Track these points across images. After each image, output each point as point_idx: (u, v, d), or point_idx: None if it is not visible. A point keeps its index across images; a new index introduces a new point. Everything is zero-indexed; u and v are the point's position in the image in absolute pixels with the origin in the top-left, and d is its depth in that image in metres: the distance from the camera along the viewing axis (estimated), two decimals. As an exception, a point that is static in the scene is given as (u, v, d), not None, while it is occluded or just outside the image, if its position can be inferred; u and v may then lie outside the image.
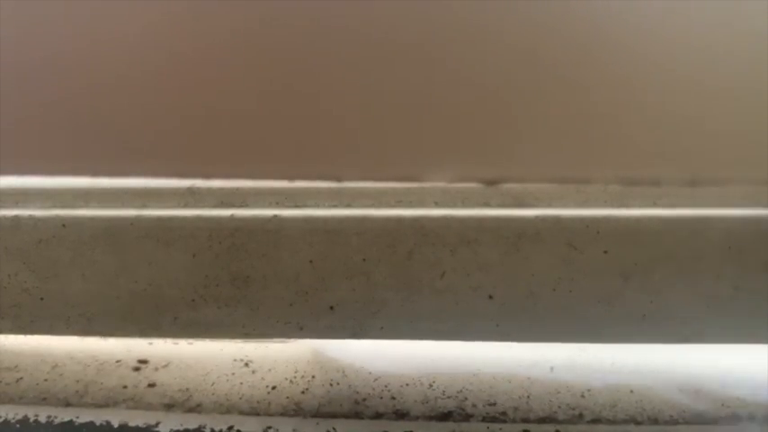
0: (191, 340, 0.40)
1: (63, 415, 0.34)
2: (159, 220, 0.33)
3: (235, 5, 0.20)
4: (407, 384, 0.36)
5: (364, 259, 0.33)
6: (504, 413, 0.34)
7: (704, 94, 0.24)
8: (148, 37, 0.19)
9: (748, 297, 0.32)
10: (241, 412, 0.34)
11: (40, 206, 0.34)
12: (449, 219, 0.32)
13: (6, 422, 0.34)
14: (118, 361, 0.39)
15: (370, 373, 0.37)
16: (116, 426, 0.33)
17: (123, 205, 0.34)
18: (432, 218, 0.32)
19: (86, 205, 0.34)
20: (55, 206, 0.34)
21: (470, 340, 0.35)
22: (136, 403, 0.35)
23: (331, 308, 0.34)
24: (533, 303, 0.33)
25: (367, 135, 0.24)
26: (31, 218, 0.34)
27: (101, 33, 0.20)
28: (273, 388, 0.36)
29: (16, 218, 0.34)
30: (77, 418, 0.34)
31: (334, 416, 0.34)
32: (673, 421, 0.33)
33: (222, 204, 0.34)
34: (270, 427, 0.33)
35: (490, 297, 0.33)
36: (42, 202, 0.34)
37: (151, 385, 0.37)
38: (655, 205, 0.32)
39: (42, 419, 0.34)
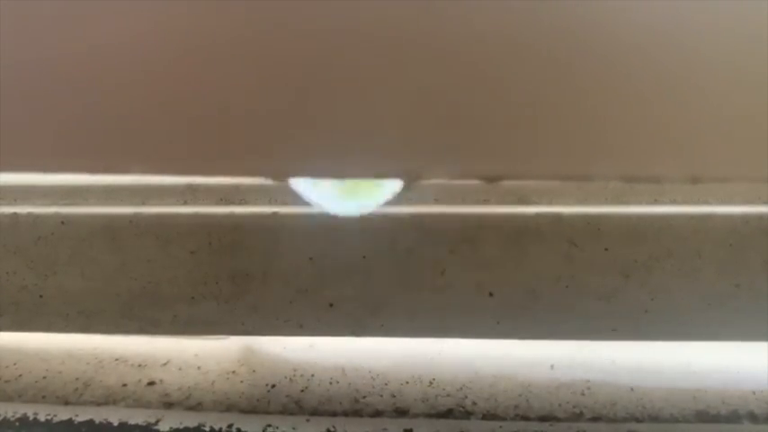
0: (190, 338, 0.40)
1: (62, 413, 0.34)
2: (158, 217, 0.33)
3: (235, 3, 0.20)
4: (407, 382, 0.36)
5: (364, 257, 0.33)
6: (504, 411, 0.34)
7: (705, 90, 0.24)
8: (147, 33, 0.19)
9: (749, 294, 0.32)
10: (241, 410, 0.34)
11: (38, 203, 0.34)
12: (449, 216, 0.32)
13: (6, 420, 0.34)
14: (117, 359, 0.39)
15: (370, 370, 0.37)
16: (116, 424, 0.33)
17: (122, 202, 0.34)
18: (432, 215, 0.32)
19: (85, 202, 0.34)
20: (54, 203, 0.34)
21: (470, 338, 0.35)
22: (135, 401, 0.35)
23: (331, 305, 0.34)
24: (534, 301, 0.33)
25: (366, 132, 0.23)
26: (29, 215, 0.33)
27: (99, 30, 0.20)
28: (273, 386, 0.36)
29: (15, 215, 0.33)
30: (77, 416, 0.34)
31: (333, 414, 0.34)
32: (673, 419, 0.33)
33: (221, 201, 0.33)
34: (269, 426, 0.33)
35: (490, 294, 0.33)
36: (41, 199, 0.34)
37: (151, 383, 0.36)
38: (656, 202, 0.32)
39: (41, 418, 0.34)
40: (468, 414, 0.34)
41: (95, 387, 0.36)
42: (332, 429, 0.33)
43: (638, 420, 0.33)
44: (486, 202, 0.32)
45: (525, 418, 0.33)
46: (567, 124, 0.22)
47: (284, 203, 0.33)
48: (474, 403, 0.34)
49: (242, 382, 0.36)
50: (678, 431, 0.32)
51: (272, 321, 0.35)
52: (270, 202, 0.33)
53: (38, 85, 0.20)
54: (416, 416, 0.34)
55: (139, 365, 0.38)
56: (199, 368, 0.38)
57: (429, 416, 0.34)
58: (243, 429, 0.33)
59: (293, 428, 0.33)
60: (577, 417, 0.33)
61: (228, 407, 0.35)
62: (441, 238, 0.32)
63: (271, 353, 0.39)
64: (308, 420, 0.33)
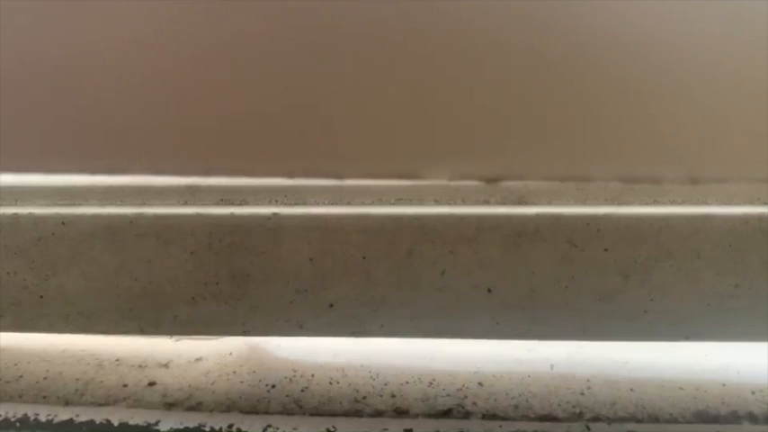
0: (190, 338, 0.40)
1: (63, 413, 0.34)
2: (159, 217, 0.33)
3: (234, 3, 0.20)
4: (407, 382, 0.36)
5: (364, 257, 0.33)
6: (504, 411, 0.34)
7: (704, 91, 0.24)
8: (148, 34, 0.19)
9: (749, 295, 0.32)
10: (241, 411, 0.34)
11: (39, 204, 0.34)
12: (449, 217, 0.32)
13: (6, 420, 0.34)
14: (117, 359, 0.39)
15: (370, 371, 0.37)
16: (116, 424, 0.33)
17: (123, 203, 0.34)
18: (432, 216, 0.32)
19: (86, 203, 0.34)
20: (54, 204, 0.34)
21: (470, 338, 0.35)
22: (136, 402, 0.35)
23: (331, 306, 0.34)
24: (533, 301, 0.33)
25: (367, 132, 0.24)
26: (30, 215, 0.33)
27: (100, 31, 0.20)
28: (273, 386, 0.36)
29: (15, 215, 0.33)
30: (77, 416, 0.34)
31: (333, 414, 0.34)
32: (673, 420, 0.33)
33: (222, 202, 0.33)
34: (270, 426, 0.33)
35: (490, 294, 0.33)
36: (42, 199, 0.34)
37: (151, 384, 0.37)
38: (655, 203, 0.32)
39: (42, 418, 0.34)
40: (468, 414, 0.34)
41: (96, 387, 0.36)
42: (332, 429, 0.33)
43: (638, 420, 0.33)
44: (485, 202, 0.32)
45: (525, 418, 0.33)
46: (567, 125, 0.22)
47: (284, 203, 0.33)
48: (474, 403, 0.34)
49: (242, 382, 0.36)
50: (678, 431, 0.32)
51: (273, 322, 0.35)
52: (270, 203, 0.33)
53: (38, 86, 0.20)
54: (416, 416, 0.34)
55: (140, 366, 0.38)
56: (199, 368, 0.38)
57: (429, 416, 0.34)
58: (243, 429, 0.33)
59: (293, 428, 0.33)
60: (577, 417, 0.33)
61: (229, 407, 0.35)
62: (441, 239, 0.32)
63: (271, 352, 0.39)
64: (307, 421, 0.33)
